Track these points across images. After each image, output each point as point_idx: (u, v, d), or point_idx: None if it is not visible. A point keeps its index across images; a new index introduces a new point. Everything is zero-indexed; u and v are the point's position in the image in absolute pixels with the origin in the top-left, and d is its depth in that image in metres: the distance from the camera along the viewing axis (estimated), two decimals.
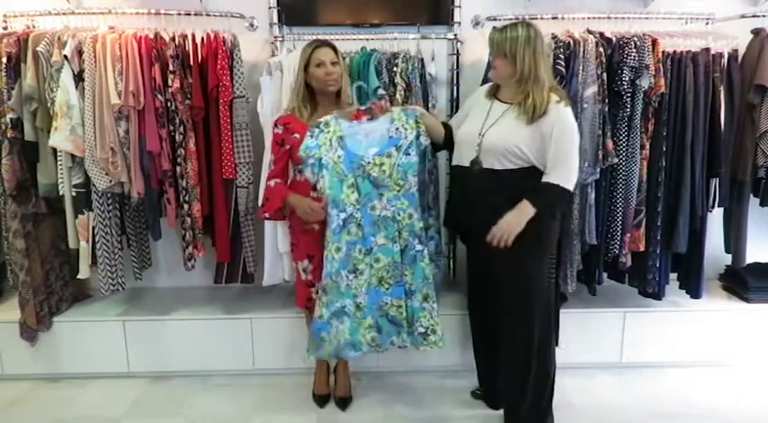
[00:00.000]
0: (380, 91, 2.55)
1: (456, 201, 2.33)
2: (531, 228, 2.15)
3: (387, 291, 2.26)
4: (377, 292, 2.26)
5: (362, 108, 2.21)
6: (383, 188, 2.19)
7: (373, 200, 2.19)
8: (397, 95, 2.59)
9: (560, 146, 2.05)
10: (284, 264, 2.72)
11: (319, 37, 2.37)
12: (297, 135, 2.22)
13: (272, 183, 2.28)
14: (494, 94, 2.21)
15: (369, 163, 2.17)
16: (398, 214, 2.21)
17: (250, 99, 2.66)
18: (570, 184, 2.08)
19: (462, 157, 2.20)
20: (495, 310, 2.30)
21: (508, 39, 2.04)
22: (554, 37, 2.49)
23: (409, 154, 2.20)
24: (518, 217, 2.07)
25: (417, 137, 2.22)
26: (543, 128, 2.05)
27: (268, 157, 2.52)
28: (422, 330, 2.29)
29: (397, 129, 2.20)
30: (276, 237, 2.67)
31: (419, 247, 2.25)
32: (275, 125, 2.29)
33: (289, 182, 2.32)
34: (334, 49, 2.28)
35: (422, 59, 2.71)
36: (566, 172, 2.07)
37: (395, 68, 2.61)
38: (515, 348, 2.27)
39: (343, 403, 2.57)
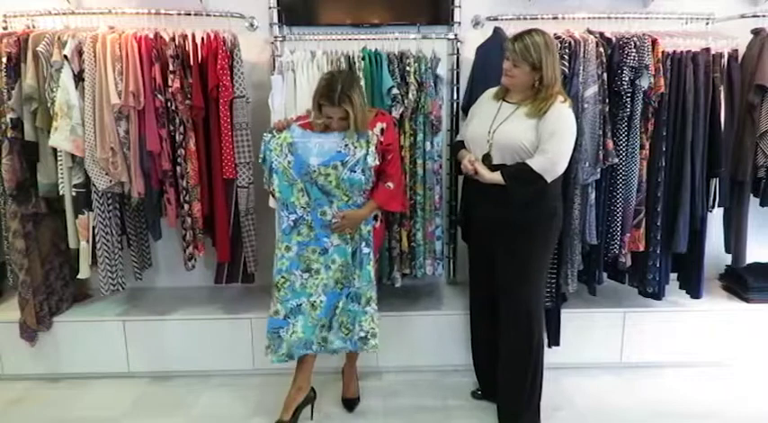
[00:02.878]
0: (394, 91, 2.55)
1: (467, 197, 2.37)
2: (536, 227, 2.17)
3: (341, 292, 2.33)
4: (334, 293, 2.33)
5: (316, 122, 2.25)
6: (333, 197, 2.27)
7: (323, 206, 2.27)
8: (410, 95, 2.59)
9: (548, 135, 2.09)
10: None
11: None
12: None
13: None
14: (502, 97, 2.25)
15: (314, 171, 2.23)
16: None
17: (250, 99, 2.66)
18: (547, 174, 2.10)
19: (473, 155, 2.24)
20: (496, 308, 2.32)
21: (531, 46, 2.07)
22: (557, 37, 2.49)
23: (355, 171, 2.24)
24: (489, 173, 2.16)
25: (365, 156, 2.24)
26: (541, 123, 2.10)
27: None
28: (362, 335, 2.35)
29: (346, 145, 2.24)
30: None
31: (366, 250, 2.32)
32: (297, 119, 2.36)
33: None
34: (348, 104, 2.12)
35: (439, 60, 2.71)
36: (546, 160, 2.09)
37: (407, 68, 2.61)
38: (514, 347, 2.29)
39: (351, 405, 2.57)
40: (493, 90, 2.31)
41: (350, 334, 2.35)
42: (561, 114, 2.10)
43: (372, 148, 2.25)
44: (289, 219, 2.28)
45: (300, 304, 2.32)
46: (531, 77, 2.11)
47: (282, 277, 2.30)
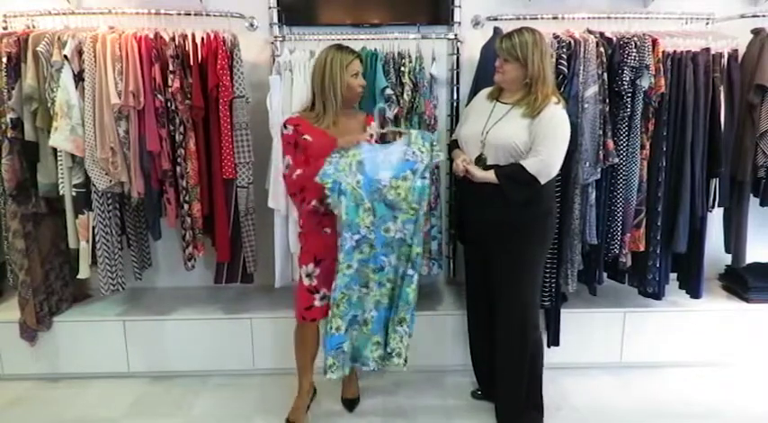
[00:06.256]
0: (388, 91, 2.55)
1: (462, 198, 2.36)
2: (531, 227, 2.17)
3: (391, 309, 2.29)
4: (386, 310, 2.29)
5: (379, 131, 2.27)
6: (398, 211, 2.18)
7: (387, 222, 2.19)
8: (404, 95, 2.59)
9: (542, 137, 2.08)
10: (294, 264, 2.73)
11: (341, 42, 2.31)
12: (308, 137, 2.17)
13: (297, 172, 2.17)
14: (495, 97, 2.25)
15: (385, 186, 2.15)
16: (408, 238, 2.21)
17: (250, 99, 2.66)
18: (541, 176, 2.09)
19: (467, 155, 2.23)
20: (493, 308, 2.32)
21: (518, 43, 2.10)
22: (556, 37, 2.49)
23: (425, 178, 2.18)
24: (482, 173, 2.14)
25: (431, 159, 2.21)
26: (535, 124, 2.10)
27: (278, 154, 2.51)
28: (388, 351, 2.31)
29: (413, 152, 2.18)
30: (287, 238, 2.68)
31: (411, 272, 2.24)
32: (284, 126, 2.22)
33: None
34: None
35: (434, 60, 2.73)
36: (540, 161, 2.08)
37: (402, 68, 2.61)
38: (511, 347, 2.29)
39: (351, 404, 2.57)
40: (487, 90, 2.32)
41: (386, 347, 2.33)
42: (555, 116, 2.10)
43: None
44: (352, 239, 2.16)
45: (356, 315, 2.27)
46: (521, 73, 2.12)
47: (342, 293, 2.21)
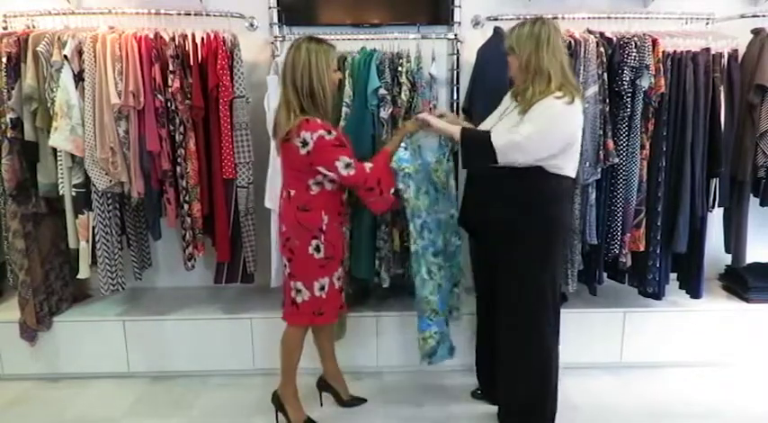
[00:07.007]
0: (382, 91, 2.55)
1: (466, 198, 2.35)
2: (531, 233, 2.14)
3: (446, 288, 2.41)
4: (444, 293, 2.40)
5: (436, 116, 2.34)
6: (438, 193, 2.32)
7: (436, 204, 2.32)
8: (402, 95, 2.59)
9: (526, 120, 1.99)
10: None
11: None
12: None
13: (369, 165, 2.15)
14: (515, 96, 2.20)
15: (432, 169, 2.28)
16: (448, 214, 2.36)
17: (250, 99, 2.66)
18: (503, 154, 1.97)
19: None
20: (498, 307, 2.31)
21: (515, 35, 2.09)
22: None
23: (450, 160, 2.36)
24: (440, 122, 2.17)
25: (451, 146, 2.35)
26: (525, 116, 2.02)
27: (277, 157, 2.50)
28: (449, 309, 2.46)
29: (443, 137, 2.30)
30: None
31: (458, 243, 2.42)
32: (328, 131, 2.06)
33: (316, 192, 2.17)
34: None
35: (433, 60, 2.75)
36: (509, 140, 1.98)
37: (399, 68, 2.61)
38: (513, 347, 2.27)
39: (353, 403, 2.57)
40: (513, 89, 2.24)
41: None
42: (551, 106, 1.98)
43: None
44: (417, 224, 2.27)
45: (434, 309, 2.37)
46: (518, 64, 2.07)
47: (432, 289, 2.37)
